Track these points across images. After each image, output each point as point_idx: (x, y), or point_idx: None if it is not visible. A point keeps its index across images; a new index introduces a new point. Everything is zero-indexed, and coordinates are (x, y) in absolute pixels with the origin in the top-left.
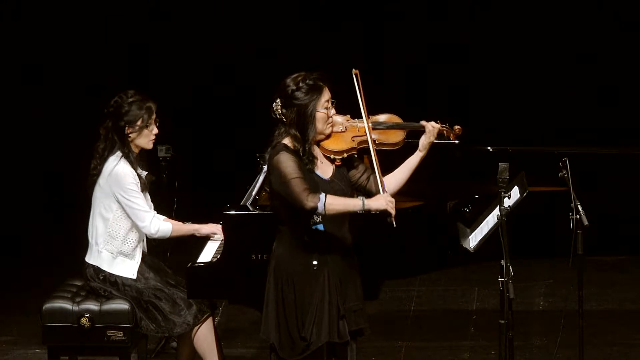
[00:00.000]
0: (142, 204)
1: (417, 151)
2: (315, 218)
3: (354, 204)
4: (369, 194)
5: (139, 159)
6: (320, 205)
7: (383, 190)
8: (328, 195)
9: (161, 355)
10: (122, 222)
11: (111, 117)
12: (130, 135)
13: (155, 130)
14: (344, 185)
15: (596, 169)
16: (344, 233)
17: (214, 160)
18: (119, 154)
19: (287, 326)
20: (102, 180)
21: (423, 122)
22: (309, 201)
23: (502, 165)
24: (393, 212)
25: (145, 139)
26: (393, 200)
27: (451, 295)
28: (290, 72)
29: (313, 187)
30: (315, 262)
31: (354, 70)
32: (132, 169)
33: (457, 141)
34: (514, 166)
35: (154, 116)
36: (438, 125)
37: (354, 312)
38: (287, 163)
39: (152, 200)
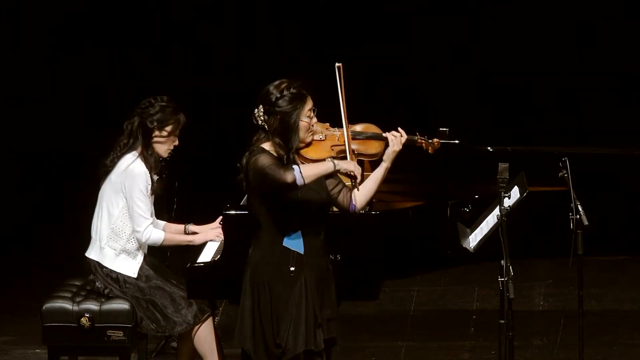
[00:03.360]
0: (145, 210)
1: (382, 162)
2: (292, 222)
3: (327, 166)
4: (339, 206)
5: (155, 164)
6: (297, 175)
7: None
8: (301, 165)
9: (161, 355)
10: (127, 220)
11: (140, 116)
12: (155, 138)
13: (177, 142)
14: (319, 189)
15: (597, 169)
16: (320, 240)
17: (214, 161)
18: (135, 153)
19: (262, 333)
20: (114, 175)
21: (385, 133)
22: (287, 176)
23: (502, 165)
24: (359, 177)
25: (165, 146)
26: (360, 167)
27: (451, 295)
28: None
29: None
30: (292, 268)
31: (337, 63)
32: (146, 170)
33: (428, 151)
34: (514, 166)
35: (179, 127)
36: (405, 136)
37: (327, 321)
38: (263, 158)
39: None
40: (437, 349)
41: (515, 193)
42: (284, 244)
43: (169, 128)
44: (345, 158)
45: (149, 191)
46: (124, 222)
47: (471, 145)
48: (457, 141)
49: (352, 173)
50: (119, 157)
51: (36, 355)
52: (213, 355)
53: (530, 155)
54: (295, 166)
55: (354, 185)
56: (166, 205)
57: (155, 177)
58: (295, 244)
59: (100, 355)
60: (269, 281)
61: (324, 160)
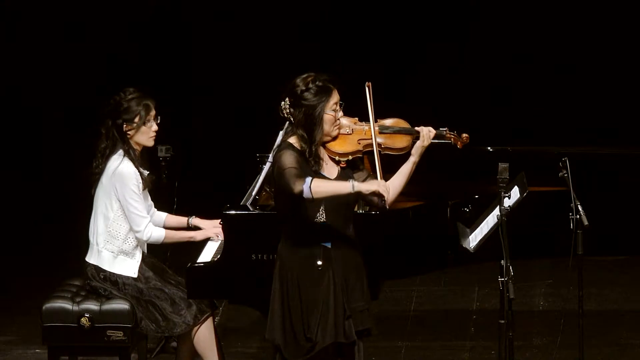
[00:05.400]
0: (140, 208)
1: (410, 156)
2: (318, 217)
3: (344, 186)
4: (368, 201)
5: (141, 158)
6: (305, 188)
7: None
8: (315, 179)
9: (161, 355)
10: (123, 221)
11: (110, 115)
12: (128, 132)
13: (155, 127)
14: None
15: (597, 169)
16: (349, 232)
17: (214, 161)
18: (121, 152)
19: (292, 327)
20: (104, 179)
21: (418, 127)
22: (297, 186)
23: (502, 165)
24: (386, 195)
25: (145, 136)
26: (388, 185)
27: (451, 295)
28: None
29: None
30: (319, 263)
31: (367, 83)
32: (135, 169)
33: (457, 145)
34: (514, 166)
35: (152, 112)
36: (434, 131)
37: (360, 312)
38: (286, 157)
39: (152, 199)
40: (437, 349)
41: (515, 193)
42: (310, 238)
43: (137, 119)
44: (371, 152)
45: (141, 188)
46: (120, 224)
47: (471, 146)
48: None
49: (377, 193)
50: (105, 161)
51: (36, 355)
52: (213, 355)
53: (530, 155)
54: (308, 178)
55: (383, 206)
56: (166, 205)
57: (146, 172)
58: (321, 238)
59: (100, 355)
60: (297, 276)
61: (349, 154)
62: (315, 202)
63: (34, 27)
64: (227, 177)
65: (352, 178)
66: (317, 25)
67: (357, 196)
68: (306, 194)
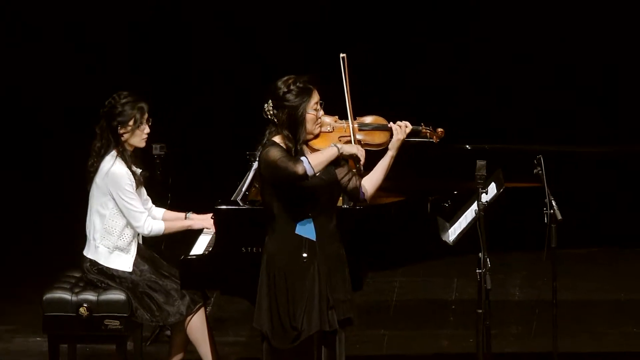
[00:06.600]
0: (137, 205)
1: (388, 150)
2: (303, 212)
3: (332, 151)
4: (349, 194)
5: (133, 157)
6: (307, 166)
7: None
8: (308, 155)
9: (156, 343)
10: (118, 218)
11: (105, 117)
12: (123, 135)
13: (147, 130)
14: (327, 178)
15: (570, 166)
16: (332, 226)
17: (207, 158)
18: (114, 153)
19: (279, 316)
20: (98, 179)
21: (390, 124)
22: (298, 168)
23: (480, 163)
24: (362, 159)
25: (138, 138)
26: (363, 150)
27: (431, 286)
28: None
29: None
30: (304, 255)
31: (341, 54)
32: (127, 169)
33: (432, 140)
34: (491, 163)
35: (145, 116)
36: (410, 126)
37: (343, 302)
38: (273, 151)
39: (147, 195)
40: (417, 337)
41: (492, 189)
42: (296, 232)
43: (131, 122)
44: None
45: (134, 187)
46: (115, 221)
47: (450, 144)
48: (432, 140)
49: (355, 155)
50: (99, 161)
51: (37, 343)
52: (205, 343)
53: (506, 153)
54: (303, 157)
55: (358, 168)
56: (161, 202)
57: (139, 170)
58: (306, 231)
59: (98, 343)
60: (283, 268)
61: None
62: (301, 198)
63: (34, 27)
64: (219, 173)
65: (334, 174)
66: (316, 25)
67: (340, 192)
68: (309, 170)
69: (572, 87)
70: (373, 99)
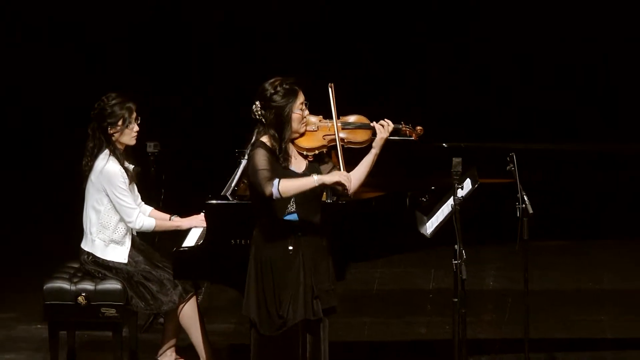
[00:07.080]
0: (130, 202)
1: (372, 148)
2: (289, 207)
3: (308, 181)
4: (334, 190)
5: (125, 154)
6: (274, 190)
7: (342, 170)
8: (282, 180)
9: (150, 330)
10: (113, 214)
11: (96, 119)
12: (114, 134)
13: (136, 128)
14: (312, 174)
15: (542, 164)
16: (317, 220)
17: (198, 155)
18: (107, 151)
19: (266, 305)
20: (93, 177)
21: (372, 123)
22: (266, 189)
23: (456, 160)
24: (347, 184)
25: (128, 136)
26: (349, 175)
27: (410, 276)
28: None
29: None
30: (290, 248)
31: (329, 84)
32: (120, 167)
33: (412, 137)
34: (467, 161)
35: (134, 115)
36: (391, 125)
37: (327, 292)
38: (259, 157)
39: (140, 192)
40: (397, 324)
41: (467, 185)
42: (282, 225)
43: (120, 122)
44: (335, 146)
45: (127, 184)
46: (110, 216)
47: (428, 142)
48: (412, 137)
49: (339, 184)
50: (93, 160)
51: (38, 331)
52: (196, 330)
53: (481, 150)
54: (275, 181)
55: (345, 192)
56: (154, 198)
57: (131, 167)
58: (292, 224)
59: (95, 330)
60: (270, 259)
61: (315, 149)
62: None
63: (34, 27)
64: (209, 170)
65: (319, 171)
66: (317, 25)
67: (324, 187)
68: (275, 195)
69: (572, 87)
70: (373, 99)
